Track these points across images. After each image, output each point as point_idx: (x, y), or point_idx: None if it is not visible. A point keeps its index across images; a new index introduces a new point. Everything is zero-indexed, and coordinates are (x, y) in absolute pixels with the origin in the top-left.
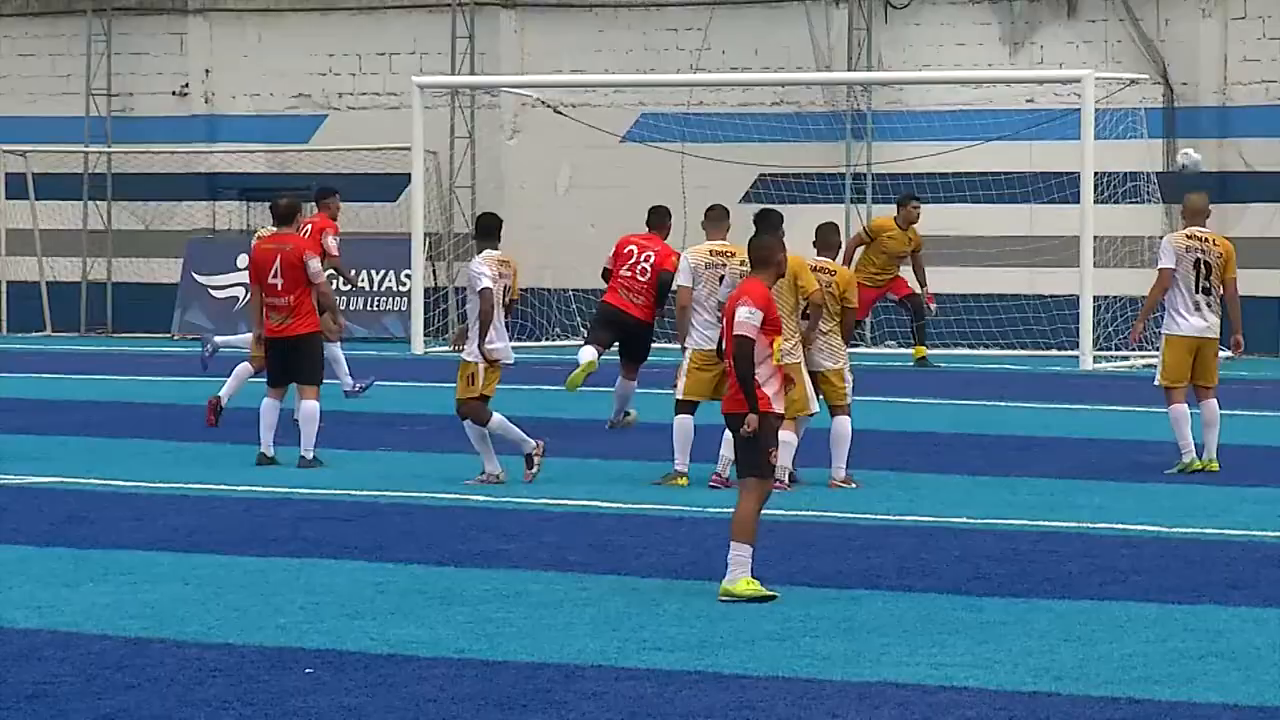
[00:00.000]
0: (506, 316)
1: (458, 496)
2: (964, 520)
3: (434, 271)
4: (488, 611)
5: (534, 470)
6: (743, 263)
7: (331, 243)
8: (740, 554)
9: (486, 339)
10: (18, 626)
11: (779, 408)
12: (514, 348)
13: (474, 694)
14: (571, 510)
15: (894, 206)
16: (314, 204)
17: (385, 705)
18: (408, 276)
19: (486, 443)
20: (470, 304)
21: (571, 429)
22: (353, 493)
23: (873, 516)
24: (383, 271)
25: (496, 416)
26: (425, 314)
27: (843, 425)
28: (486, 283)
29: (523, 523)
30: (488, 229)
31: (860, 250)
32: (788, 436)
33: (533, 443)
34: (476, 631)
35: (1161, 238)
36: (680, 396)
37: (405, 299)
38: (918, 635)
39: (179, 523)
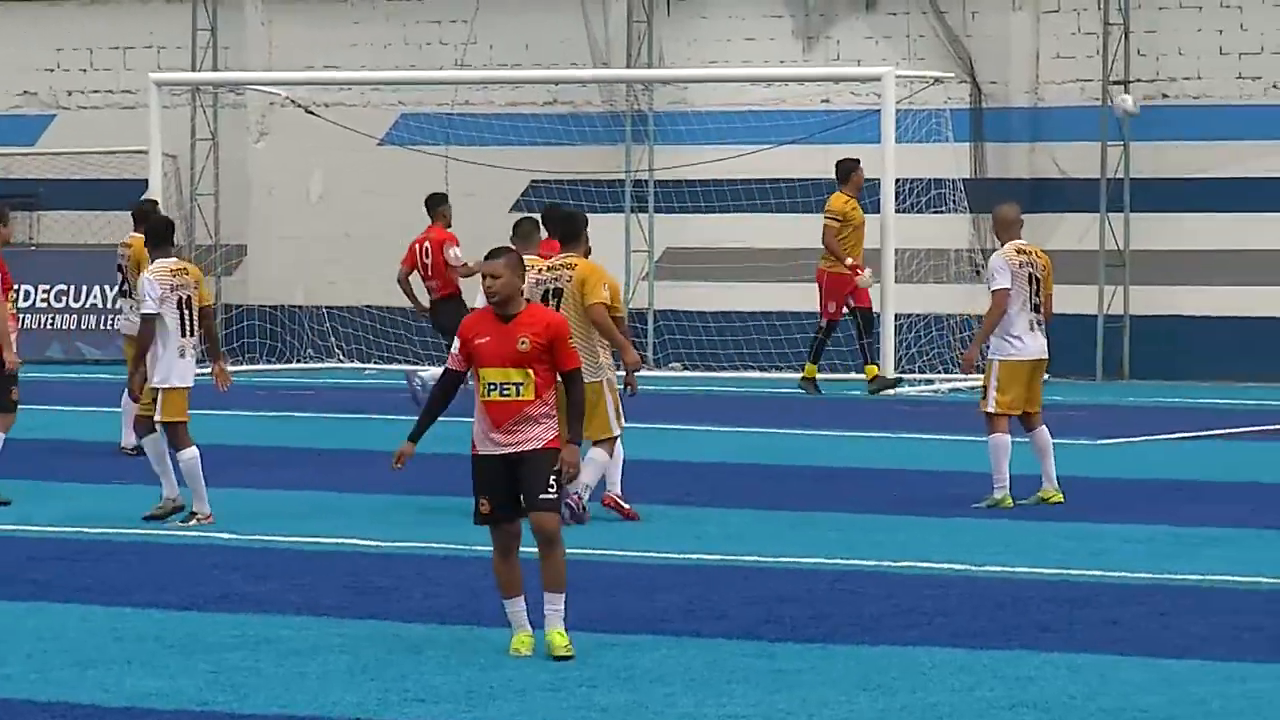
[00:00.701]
0: (201, 331)
1: (201, 534)
2: (755, 559)
3: None
4: (234, 660)
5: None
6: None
7: (455, 254)
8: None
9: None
10: None
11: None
12: (263, 370)
13: None
14: (327, 549)
15: (836, 181)
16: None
17: None
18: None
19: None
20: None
21: (319, 455)
22: (85, 530)
23: (654, 554)
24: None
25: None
26: None
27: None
28: (149, 306)
29: (272, 562)
30: (158, 233)
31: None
32: (597, 454)
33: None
34: (221, 682)
35: (971, 250)
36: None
37: None
38: (705, 685)
39: None
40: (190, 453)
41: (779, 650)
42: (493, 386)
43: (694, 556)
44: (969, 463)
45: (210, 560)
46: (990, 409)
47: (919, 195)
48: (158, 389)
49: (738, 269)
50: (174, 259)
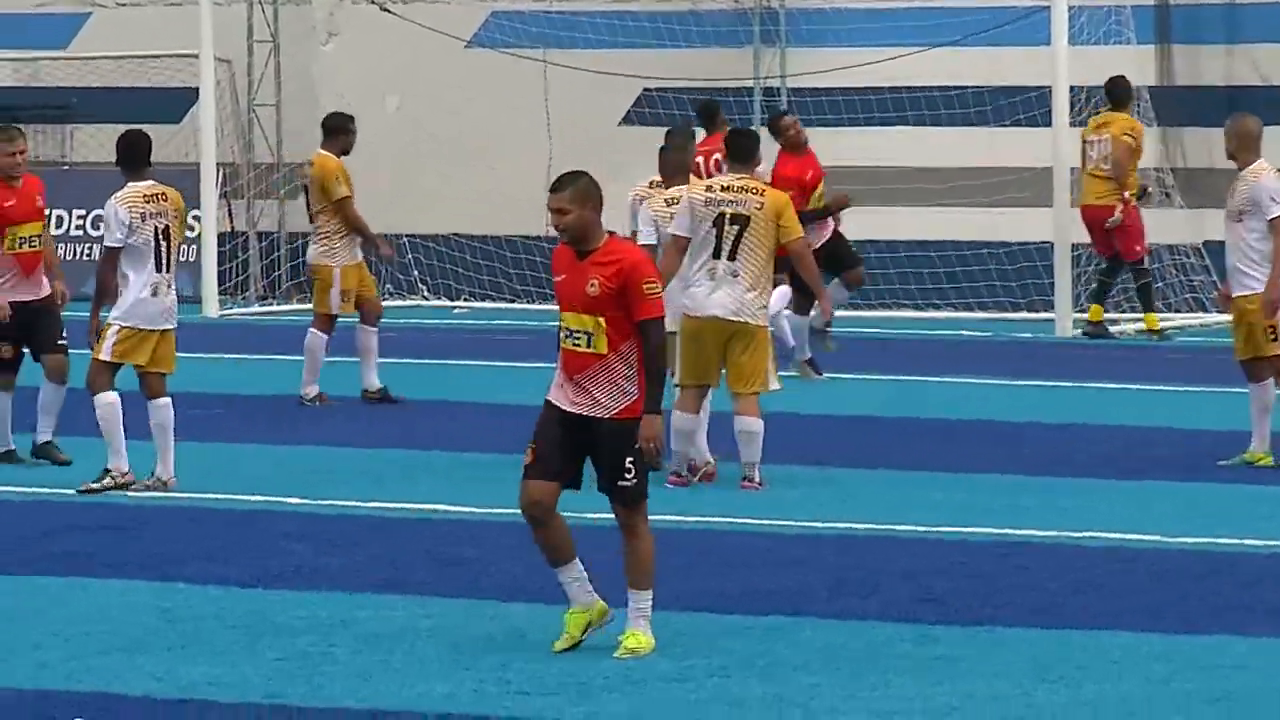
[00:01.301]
0: (167, 270)
1: (266, 499)
2: (910, 528)
3: (230, 213)
4: (304, 645)
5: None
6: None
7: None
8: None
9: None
10: None
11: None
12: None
13: None
14: (409, 515)
15: (1108, 99)
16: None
17: None
18: (197, 219)
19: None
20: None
21: (399, 408)
22: (130, 494)
23: (793, 523)
24: None
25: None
26: (220, 266)
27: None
28: (116, 236)
29: (348, 531)
30: (135, 153)
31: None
32: (753, 424)
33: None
34: (290, 670)
35: (1159, 170)
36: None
37: (194, 248)
38: (855, 674)
39: None
40: (159, 403)
41: (940, 634)
42: (567, 333)
43: (839, 525)
44: (1160, 416)
45: (277, 529)
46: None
47: (1096, 106)
48: (111, 325)
49: (885, 191)
50: (149, 182)
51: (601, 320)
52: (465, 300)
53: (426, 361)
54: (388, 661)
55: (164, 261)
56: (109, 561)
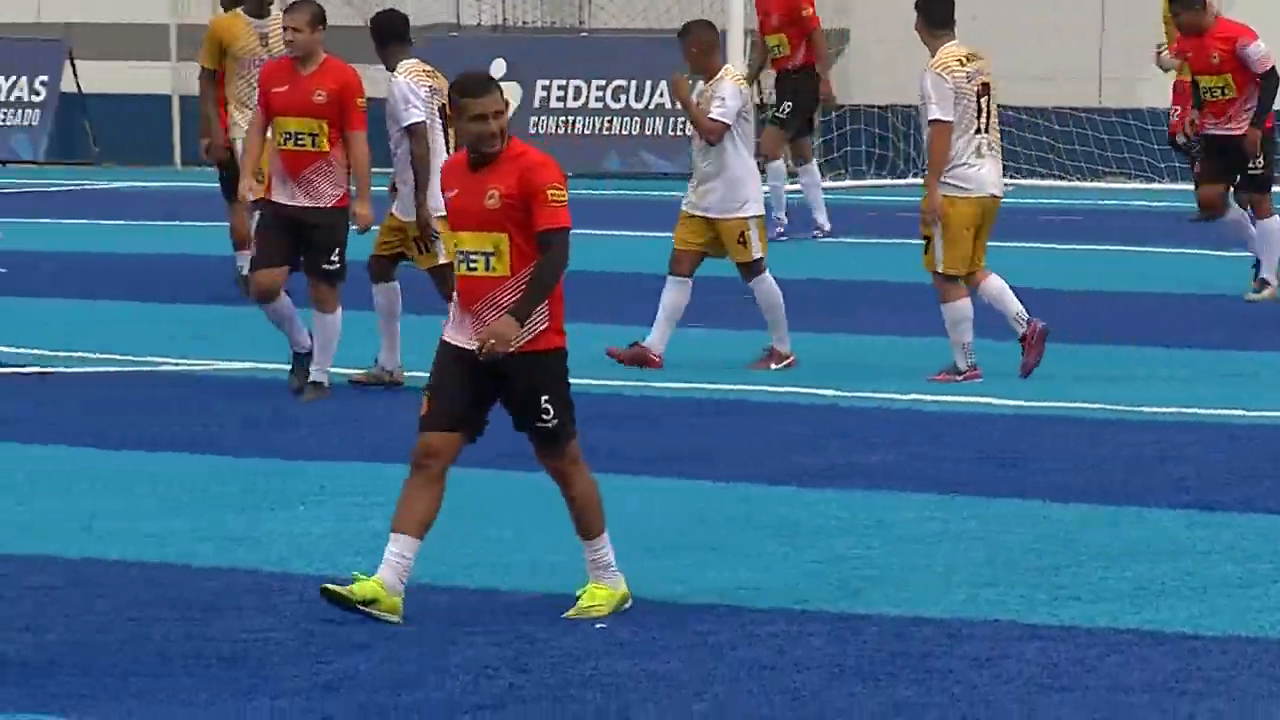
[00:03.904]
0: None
1: (803, 391)
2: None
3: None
4: (840, 548)
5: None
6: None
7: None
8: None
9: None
10: (207, 563)
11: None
12: (871, 187)
13: (825, 659)
14: (955, 409)
15: None
16: None
17: (704, 673)
18: None
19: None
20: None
21: None
22: (654, 384)
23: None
24: None
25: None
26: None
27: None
28: (417, 113)
29: (887, 426)
30: (395, 29)
31: None
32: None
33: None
34: (827, 575)
35: None
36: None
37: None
38: None
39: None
40: None
41: None
42: (462, 256)
43: None
44: None
45: (809, 423)
46: None
47: None
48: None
49: None
50: (416, 59)
51: (504, 237)
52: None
53: None
54: (929, 565)
55: (450, 144)
56: (628, 455)
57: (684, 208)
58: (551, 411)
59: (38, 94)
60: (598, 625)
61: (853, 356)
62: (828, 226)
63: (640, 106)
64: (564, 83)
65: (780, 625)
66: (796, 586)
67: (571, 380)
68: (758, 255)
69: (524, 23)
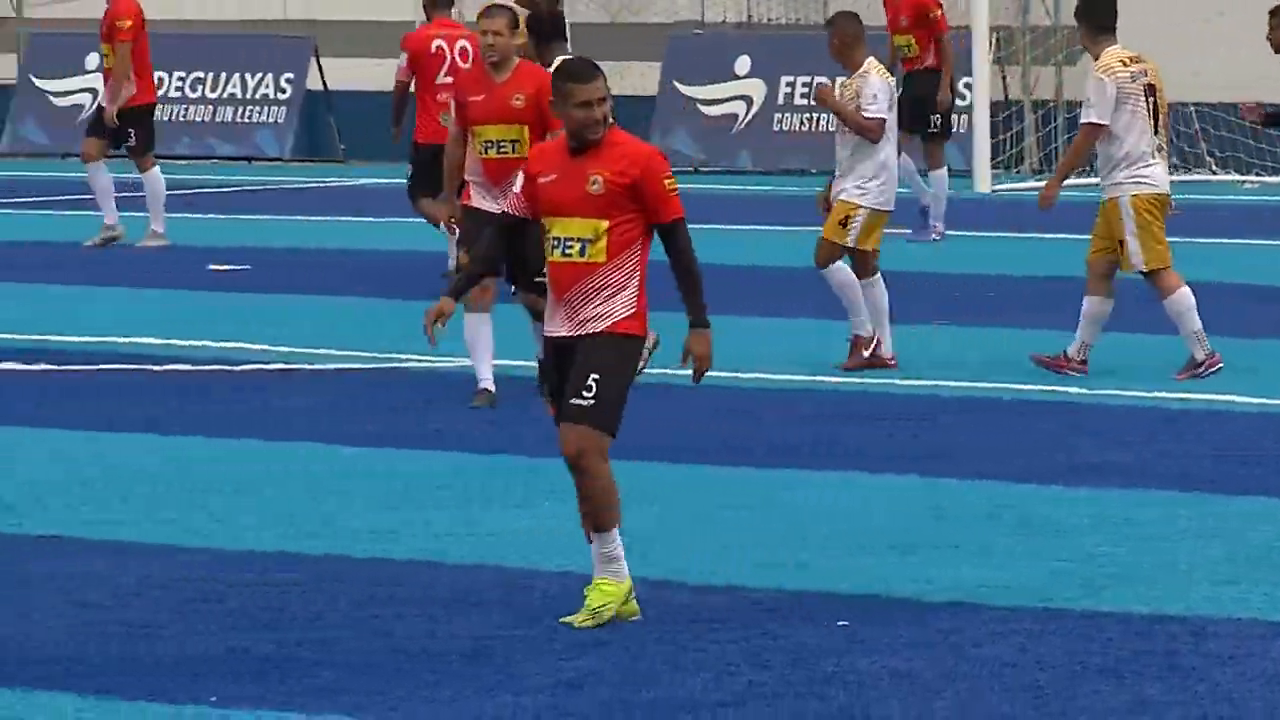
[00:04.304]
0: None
1: (1045, 388)
2: None
3: (1004, 80)
4: (1086, 546)
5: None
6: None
7: None
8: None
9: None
10: (450, 560)
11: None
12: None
13: (1066, 656)
14: (1197, 406)
15: None
16: None
17: (944, 670)
18: (968, 88)
19: None
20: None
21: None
22: (898, 382)
23: None
24: None
25: None
26: (991, 138)
27: None
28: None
29: (1137, 424)
30: (553, 26)
31: None
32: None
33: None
34: (1070, 573)
35: None
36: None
37: (964, 118)
38: None
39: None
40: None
41: None
42: (556, 243)
43: None
44: None
45: (1054, 421)
46: None
47: None
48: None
49: None
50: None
51: (604, 224)
52: (1256, 175)
53: (1210, 241)
54: (1172, 563)
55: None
56: (871, 453)
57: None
58: (594, 390)
59: (283, 91)
60: (840, 623)
61: (1097, 355)
62: (943, 229)
63: None
64: (808, 79)
65: (1023, 623)
66: (1039, 584)
67: (816, 379)
68: (851, 243)
69: (768, 20)
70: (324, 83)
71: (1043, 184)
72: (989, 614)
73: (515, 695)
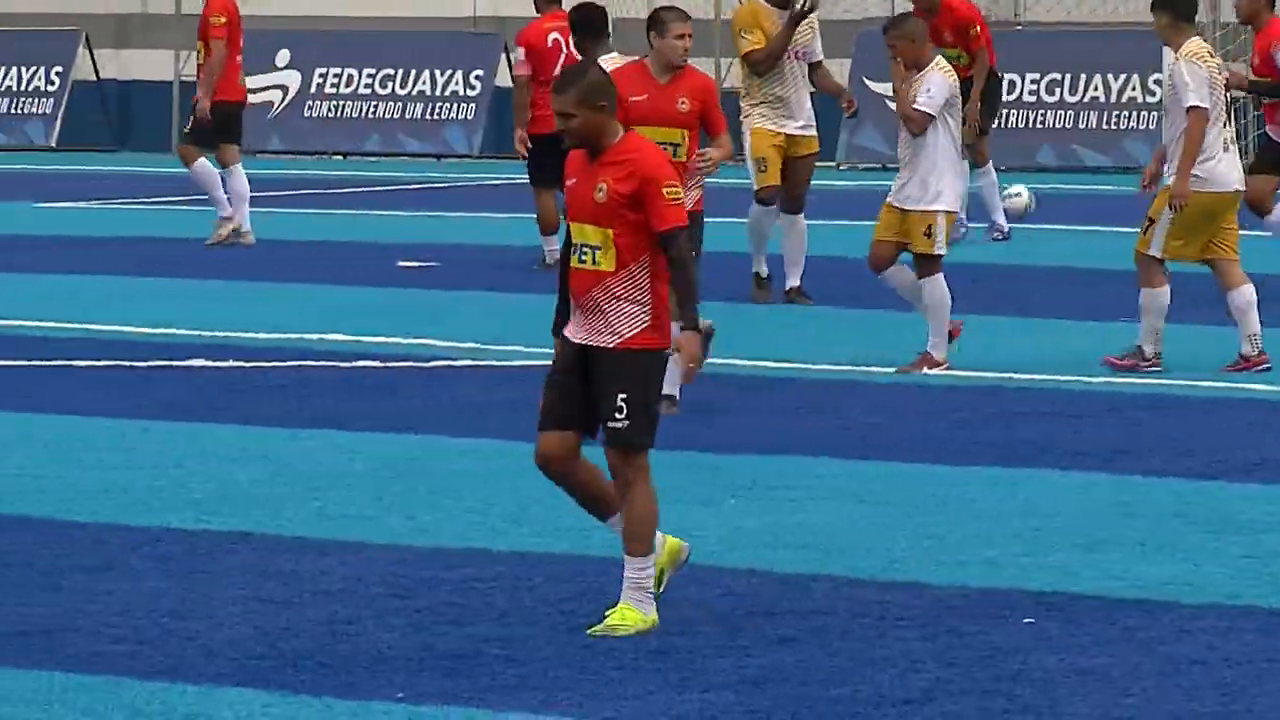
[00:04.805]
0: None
1: (1227, 386)
2: None
3: None
4: (1274, 543)
5: None
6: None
7: None
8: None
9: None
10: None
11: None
12: None
13: (1257, 654)
14: None
15: None
16: None
17: (1131, 668)
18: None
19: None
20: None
21: None
22: (1082, 379)
23: None
24: None
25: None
26: None
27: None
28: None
29: None
30: (594, 21)
31: None
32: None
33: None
34: (1256, 571)
35: None
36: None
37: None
38: None
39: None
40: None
41: None
42: (574, 249)
43: None
44: None
45: (1241, 417)
46: None
47: None
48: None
49: None
50: (616, 53)
51: (610, 232)
52: None
53: None
54: None
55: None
56: (1056, 450)
57: (887, 199)
58: (625, 411)
59: (473, 88)
60: (1026, 620)
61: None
62: (1006, 228)
63: (1075, 100)
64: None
65: (1211, 620)
66: (1228, 581)
67: (984, 374)
68: (940, 251)
69: None
70: (512, 79)
71: None
72: (1177, 611)
73: (701, 692)
